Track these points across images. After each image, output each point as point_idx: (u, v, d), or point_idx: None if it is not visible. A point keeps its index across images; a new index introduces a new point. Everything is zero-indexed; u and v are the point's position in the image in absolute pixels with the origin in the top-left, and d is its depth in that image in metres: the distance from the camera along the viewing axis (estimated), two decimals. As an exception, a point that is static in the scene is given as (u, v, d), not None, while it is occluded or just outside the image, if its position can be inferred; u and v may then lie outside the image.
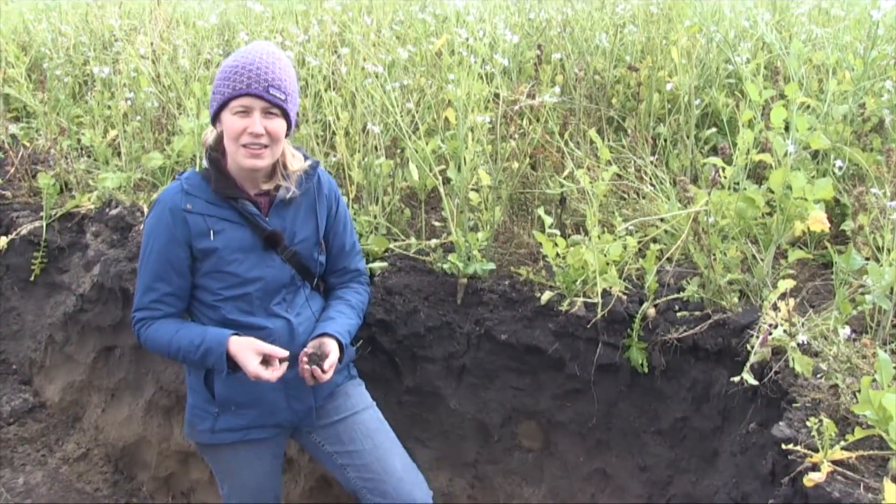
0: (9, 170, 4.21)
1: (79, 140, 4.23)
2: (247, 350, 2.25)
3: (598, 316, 2.66)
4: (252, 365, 2.22)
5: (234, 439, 2.47)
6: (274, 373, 2.25)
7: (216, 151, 2.34)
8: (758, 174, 3.13)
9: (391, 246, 3.06)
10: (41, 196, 3.95)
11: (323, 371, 2.28)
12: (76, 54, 4.96)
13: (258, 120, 2.19)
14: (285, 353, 2.27)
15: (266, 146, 2.23)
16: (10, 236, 3.89)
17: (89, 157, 4.21)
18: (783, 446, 1.89)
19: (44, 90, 4.52)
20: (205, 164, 2.36)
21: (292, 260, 2.40)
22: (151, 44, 4.20)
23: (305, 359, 2.29)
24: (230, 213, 2.31)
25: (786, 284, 2.29)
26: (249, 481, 2.56)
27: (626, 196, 3.28)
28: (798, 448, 1.87)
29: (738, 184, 2.61)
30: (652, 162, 3.20)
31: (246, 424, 2.45)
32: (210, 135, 2.38)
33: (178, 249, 2.29)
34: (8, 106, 4.87)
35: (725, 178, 2.59)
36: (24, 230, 3.90)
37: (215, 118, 2.29)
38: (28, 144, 4.37)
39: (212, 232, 2.29)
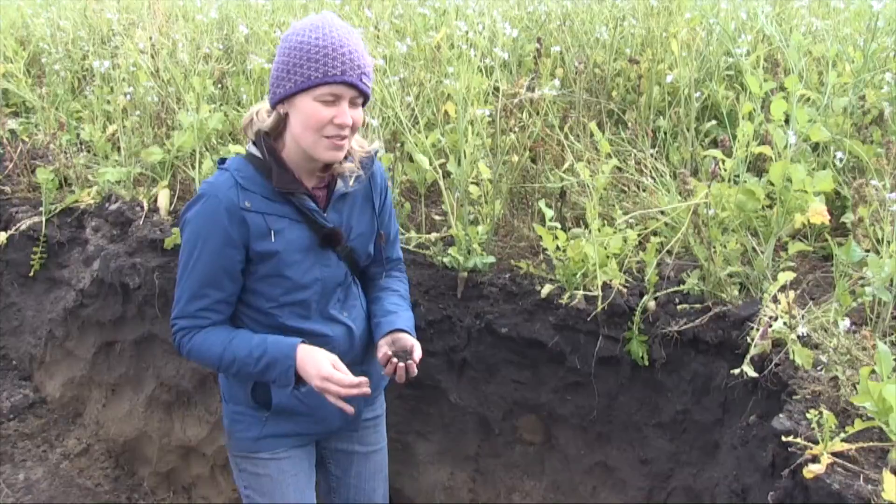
0: (7, 165, 4.21)
1: (78, 135, 4.24)
2: (320, 356, 2.03)
3: (599, 309, 2.65)
4: (326, 367, 2.00)
5: (279, 447, 2.26)
6: (348, 379, 2.00)
7: (271, 138, 2.07)
8: (757, 167, 3.13)
9: (391, 240, 3.05)
10: (40, 191, 3.96)
11: (415, 363, 2.11)
12: (75, 49, 4.96)
13: (347, 110, 1.96)
14: (359, 380, 2.01)
15: (346, 137, 2.01)
16: (10, 232, 3.90)
17: (88, 151, 4.21)
18: (783, 438, 1.89)
19: (42, 85, 4.52)
20: (251, 150, 2.08)
21: (348, 257, 2.21)
22: (150, 38, 4.18)
23: (395, 359, 2.09)
24: (289, 210, 2.07)
25: (786, 277, 2.29)
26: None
27: (626, 189, 3.28)
28: (798, 440, 1.87)
29: (737, 176, 2.61)
30: (652, 155, 3.20)
31: (296, 430, 2.26)
32: (266, 118, 2.07)
33: (234, 252, 2.03)
34: (7, 101, 4.87)
35: (725, 170, 2.59)
36: (23, 225, 3.90)
37: (282, 100, 1.99)
38: (27, 139, 4.38)
39: (272, 232, 2.04)
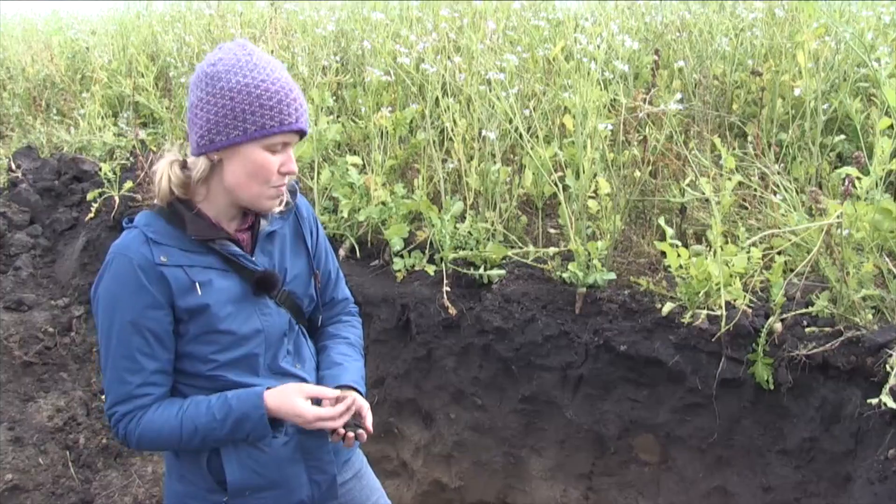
0: (139, 174, 4.43)
1: (202, 145, 4.41)
2: (293, 397, 1.84)
3: (723, 329, 2.59)
4: (310, 410, 1.82)
5: None
6: (336, 409, 1.84)
7: (184, 191, 1.81)
8: (890, 184, 3.00)
9: (509, 253, 3.05)
10: (168, 199, 4.13)
11: (367, 431, 1.91)
12: (199, 63, 5.17)
13: (292, 156, 1.82)
14: (337, 393, 1.90)
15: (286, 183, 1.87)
16: (140, 237, 4.07)
17: (212, 161, 4.38)
18: (933, 476, 1.80)
19: (170, 97, 4.74)
20: (155, 201, 1.85)
21: (287, 302, 1.97)
22: (271, 52, 4.33)
23: (343, 429, 1.87)
24: (213, 259, 1.84)
25: (929, 303, 2.18)
26: None
27: (747, 205, 3.19)
28: (949, 478, 1.78)
29: (868, 192, 2.50)
30: (777, 171, 3.10)
31: None
32: (190, 168, 1.81)
33: (160, 314, 1.79)
34: (138, 113, 5.12)
35: (861, 188, 2.49)
36: (152, 231, 4.08)
37: (216, 148, 1.75)
38: (155, 149, 4.59)
39: (197, 285, 1.80)
